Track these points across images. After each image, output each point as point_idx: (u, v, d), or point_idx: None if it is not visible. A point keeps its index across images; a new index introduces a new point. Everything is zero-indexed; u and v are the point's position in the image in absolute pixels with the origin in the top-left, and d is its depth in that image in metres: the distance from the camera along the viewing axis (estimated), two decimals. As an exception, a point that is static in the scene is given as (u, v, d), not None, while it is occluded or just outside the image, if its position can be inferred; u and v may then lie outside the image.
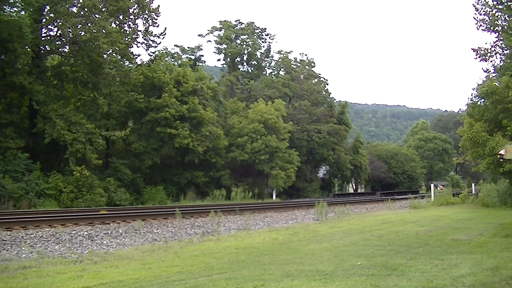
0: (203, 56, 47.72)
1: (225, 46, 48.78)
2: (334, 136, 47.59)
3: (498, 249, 9.47)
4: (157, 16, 29.71)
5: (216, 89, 39.92)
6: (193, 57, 44.73)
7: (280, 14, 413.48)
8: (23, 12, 24.60)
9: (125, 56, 28.12)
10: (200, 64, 44.77)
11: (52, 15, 25.49)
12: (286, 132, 40.20)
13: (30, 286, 6.46)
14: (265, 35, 51.95)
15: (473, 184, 38.94)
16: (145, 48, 30.53)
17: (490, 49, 27.02)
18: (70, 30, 25.26)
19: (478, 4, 26.67)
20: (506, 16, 26.10)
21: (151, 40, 30.32)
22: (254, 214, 19.09)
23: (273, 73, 54.05)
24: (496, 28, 26.42)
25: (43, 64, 26.56)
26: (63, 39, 26.24)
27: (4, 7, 24.13)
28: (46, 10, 25.72)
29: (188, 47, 45.63)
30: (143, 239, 11.87)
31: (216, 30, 49.32)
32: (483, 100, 24.49)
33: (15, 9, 25.13)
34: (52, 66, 27.83)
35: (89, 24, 25.28)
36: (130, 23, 28.90)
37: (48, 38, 26.58)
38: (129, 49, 28.86)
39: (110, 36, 24.99)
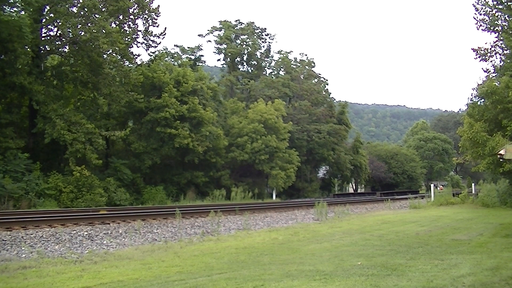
0: (203, 56, 47.80)
1: (225, 46, 48.75)
2: (334, 136, 47.57)
3: (498, 249, 9.47)
4: (157, 16, 29.77)
5: (216, 89, 39.94)
6: (193, 57, 44.73)
7: (280, 14, 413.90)
8: (23, 12, 24.58)
9: (125, 56, 28.13)
10: (200, 64, 44.77)
11: (52, 15, 25.49)
12: (286, 132, 40.19)
13: (30, 286, 6.46)
14: (265, 35, 51.94)
15: (473, 184, 38.99)
16: (145, 48, 30.62)
17: (490, 49, 27.06)
18: (70, 30, 25.26)
19: (478, 4, 26.72)
20: (506, 16, 26.13)
21: (151, 40, 30.38)
22: (254, 214, 19.10)
23: (273, 73, 53.99)
24: (496, 28, 26.46)
25: (43, 64, 26.55)
26: (63, 39, 26.24)
27: (4, 7, 24.12)
28: (46, 10, 25.71)
29: (188, 47, 45.67)
30: (143, 239, 11.87)
31: (216, 30, 49.31)
32: (483, 100, 24.51)
33: (15, 9, 25.15)
34: (52, 66, 27.82)
35: (89, 24, 25.28)
36: (130, 23, 28.95)
37: (48, 38, 26.57)
38: (129, 49, 28.90)
39: (110, 36, 25.00)
